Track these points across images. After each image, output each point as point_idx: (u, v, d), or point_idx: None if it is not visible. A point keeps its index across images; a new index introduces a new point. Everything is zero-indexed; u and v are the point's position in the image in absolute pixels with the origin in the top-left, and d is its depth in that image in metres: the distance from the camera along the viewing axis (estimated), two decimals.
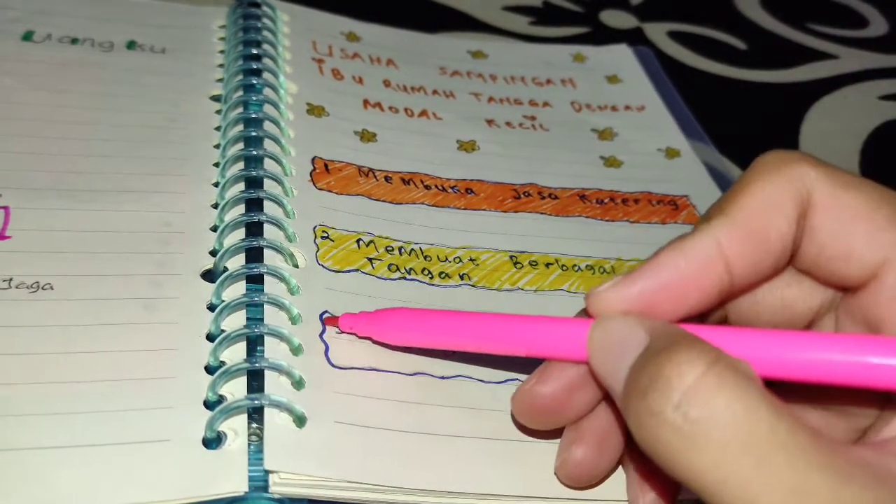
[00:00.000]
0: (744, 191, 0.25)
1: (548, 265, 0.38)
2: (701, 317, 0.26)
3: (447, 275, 0.36)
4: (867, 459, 0.20)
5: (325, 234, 0.36)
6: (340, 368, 0.31)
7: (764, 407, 0.20)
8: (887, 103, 0.57)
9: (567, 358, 0.26)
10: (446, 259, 0.37)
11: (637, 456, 0.28)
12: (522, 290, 0.36)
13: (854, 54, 0.62)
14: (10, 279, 0.31)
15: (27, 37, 0.44)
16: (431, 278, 0.36)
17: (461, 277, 0.36)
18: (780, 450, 0.20)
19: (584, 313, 0.26)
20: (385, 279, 0.35)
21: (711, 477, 0.20)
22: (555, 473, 0.29)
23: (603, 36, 0.60)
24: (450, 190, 0.41)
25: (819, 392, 0.25)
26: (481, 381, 0.32)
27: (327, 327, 0.32)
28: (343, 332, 0.32)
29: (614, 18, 0.62)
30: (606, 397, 0.27)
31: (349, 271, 0.35)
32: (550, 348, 0.26)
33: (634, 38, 0.60)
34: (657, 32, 0.61)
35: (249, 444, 0.28)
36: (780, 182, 0.25)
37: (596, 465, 0.28)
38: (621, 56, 0.56)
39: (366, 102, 0.46)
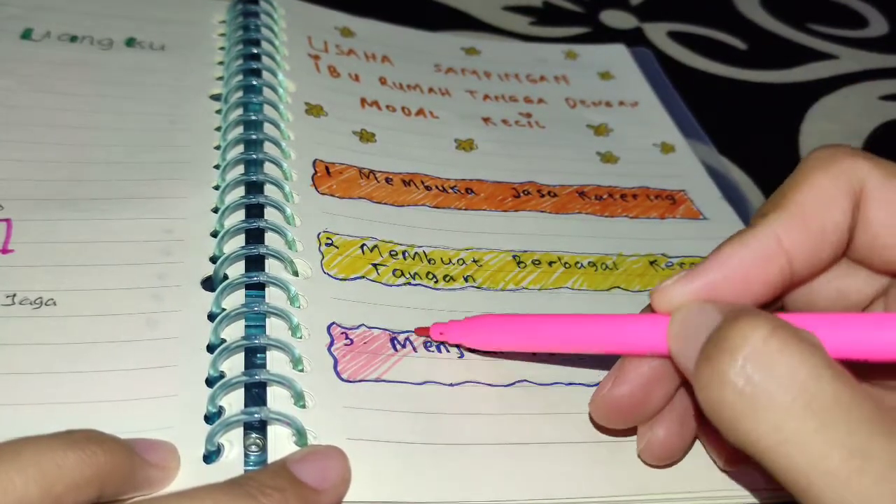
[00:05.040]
0: (798, 185, 0.26)
1: (551, 263, 0.38)
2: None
3: (452, 278, 0.36)
4: None
5: (330, 241, 0.36)
6: (350, 382, 0.30)
7: (828, 373, 0.21)
8: (887, 103, 0.57)
9: (648, 352, 0.27)
10: (450, 261, 0.37)
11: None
12: (527, 289, 0.36)
13: (854, 54, 0.62)
14: (14, 294, 0.31)
15: (26, 35, 0.44)
16: (436, 282, 0.35)
17: (465, 280, 0.36)
18: (843, 414, 0.20)
19: (649, 310, 0.27)
20: (391, 286, 0.35)
21: (771, 439, 0.21)
22: (638, 455, 0.30)
23: (603, 36, 0.60)
24: (450, 190, 0.41)
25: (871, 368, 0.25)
26: (489, 384, 0.32)
27: (411, 336, 0.33)
28: (436, 342, 0.32)
29: (614, 18, 0.62)
30: (683, 384, 0.28)
31: (355, 279, 0.34)
32: (632, 344, 0.27)
33: (634, 39, 0.60)
34: (657, 32, 0.61)
35: (247, 455, 0.27)
36: (833, 176, 0.25)
37: (679, 441, 0.29)
38: (613, 52, 0.56)
39: (363, 101, 0.46)
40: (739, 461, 0.29)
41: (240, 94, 0.41)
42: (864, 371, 0.24)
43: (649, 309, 0.27)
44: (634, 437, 0.30)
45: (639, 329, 0.27)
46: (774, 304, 0.27)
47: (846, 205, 0.25)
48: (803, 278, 0.26)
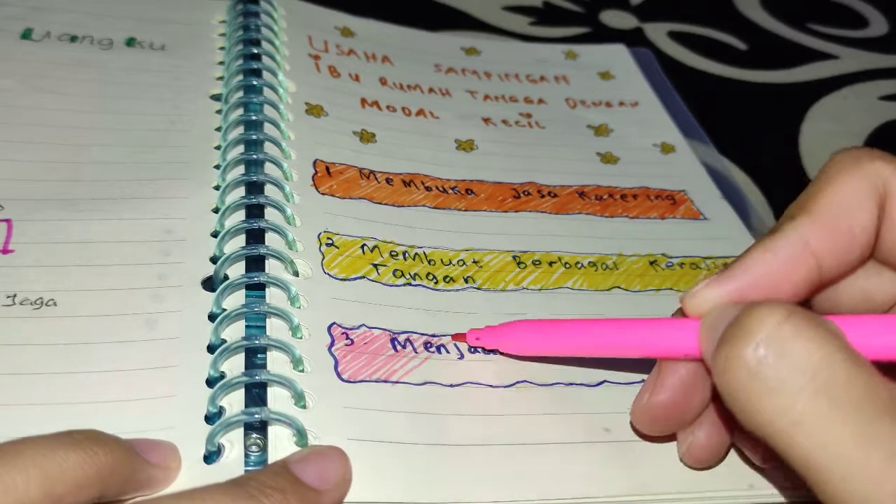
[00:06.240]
0: (824, 188, 0.26)
1: (551, 264, 0.38)
2: None
3: (451, 279, 0.36)
4: None
5: (330, 241, 0.36)
6: (350, 382, 0.30)
7: (842, 356, 0.21)
8: (887, 103, 0.57)
9: (682, 356, 0.27)
10: (450, 262, 0.37)
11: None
12: (527, 289, 0.36)
13: (854, 54, 0.62)
14: (14, 295, 0.31)
15: (26, 35, 0.44)
16: (436, 283, 0.35)
17: (466, 280, 0.36)
18: (855, 397, 0.20)
19: (680, 313, 0.27)
20: (391, 286, 0.35)
21: (783, 421, 0.21)
22: (681, 459, 0.30)
23: (603, 36, 0.60)
24: (450, 191, 0.41)
25: None
26: (489, 385, 0.32)
27: (456, 337, 0.33)
28: (472, 348, 0.33)
29: (614, 18, 0.62)
30: None
31: (355, 279, 0.34)
32: (666, 348, 0.27)
33: (634, 39, 0.60)
34: (657, 33, 0.61)
35: (247, 455, 0.27)
36: (858, 178, 0.26)
37: (719, 442, 0.29)
38: (613, 52, 0.56)
39: (363, 101, 0.46)
40: (774, 457, 0.29)
41: (240, 94, 0.41)
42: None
43: (680, 313, 0.27)
44: (635, 439, 0.30)
45: (671, 333, 0.27)
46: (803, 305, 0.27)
47: (872, 207, 0.26)
48: (831, 280, 0.27)
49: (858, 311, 0.28)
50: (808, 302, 0.28)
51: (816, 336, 0.21)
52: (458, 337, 0.33)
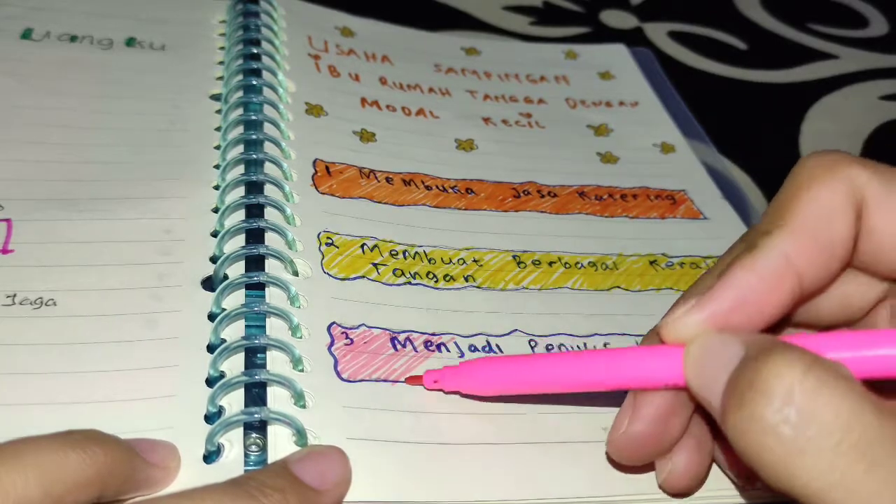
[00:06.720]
0: (799, 198, 0.25)
1: (551, 263, 0.38)
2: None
3: (452, 277, 0.36)
4: None
5: (330, 241, 0.36)
6: (350, 382, 0.30)
7: (868, 407, 0.20)
8: (887, 103, 0.57)
9: (663, 386, 0.26)
10: (450, 261, 0.37)
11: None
12: (527, 289, 0.36)
13: (854, 54, 0.62)
14: (14, 295, 0.31)
15: (26, 35, 0.44)
16: (436, 282, 0.35)
17: (466, 279, 0.36)
18: (891, 451, 0.19)
19: (652, 338, 0.26)
20: (391, 285, 0.35)
21: (821, 482, 0.20)
22: (660, 487, 0.29)
23: (603, 36, 0.60)
24: (450, 190, 0.41)
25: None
26: None
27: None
28: (430, 390, 0.31)
29: (614, 18, 0.62)
30: (697, 410, 0.27)
31: (355, 279, 0.34)
32: (645, 379, 0.26)
33: (634, 39, 0.60)
34: (657, 32, 0.61)
35: (247, 455, 0.27)
36: (833, 186, 0.25)
37: (699, 467, 0.28)
38: (613, 52, 0.56)
39: (363, 101, 0.46)
40: (758, 479, 0.29)
41: (240, 93, 0.41)
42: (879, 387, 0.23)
43: (653, 337, 0.26)
44: None
45: (651, 363, 0.26)
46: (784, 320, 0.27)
47: (850, 216, 0.25)
48: (812, 294, 0.26)
49: (837, 318, 0.27)
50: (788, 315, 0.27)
51: (840, 388, 0.20)
52: (412, 380, 0.31)
